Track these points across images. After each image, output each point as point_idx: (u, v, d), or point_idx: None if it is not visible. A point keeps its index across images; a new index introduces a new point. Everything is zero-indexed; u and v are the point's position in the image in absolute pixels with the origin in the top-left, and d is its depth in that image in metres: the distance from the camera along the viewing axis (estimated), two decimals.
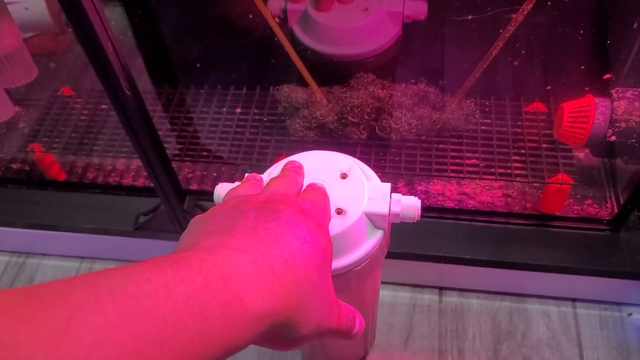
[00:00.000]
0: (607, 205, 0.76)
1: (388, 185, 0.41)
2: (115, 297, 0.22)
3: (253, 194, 0.35)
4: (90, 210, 0.85)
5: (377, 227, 0.42)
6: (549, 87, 0.76)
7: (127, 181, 0.86)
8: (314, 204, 0.35)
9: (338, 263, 0.41)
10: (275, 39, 0.71)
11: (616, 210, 0.74)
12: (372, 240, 0.42)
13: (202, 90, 0.86)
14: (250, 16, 0.78)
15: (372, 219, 0.41)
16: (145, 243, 0.85)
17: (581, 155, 0.78)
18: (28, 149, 0.85)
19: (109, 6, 0.80)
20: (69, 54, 0.92)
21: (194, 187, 0.84)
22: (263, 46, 0.86)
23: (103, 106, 0.88)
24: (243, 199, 0.34)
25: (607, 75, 0.67)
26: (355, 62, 0.72)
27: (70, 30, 0.88)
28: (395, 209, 0.41)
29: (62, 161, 0.87)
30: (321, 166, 0.43)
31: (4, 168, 0.89)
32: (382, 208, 0.40)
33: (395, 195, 0.42)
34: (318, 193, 0.38)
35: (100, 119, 0.87)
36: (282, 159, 0.45)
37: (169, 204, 0.78)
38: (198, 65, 0.87)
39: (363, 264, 0.42)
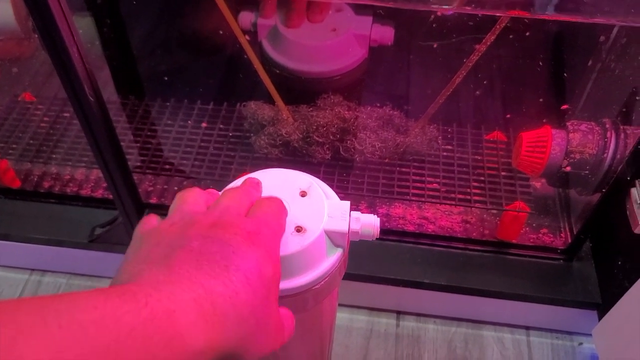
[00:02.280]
0: (562, 235, 0.78)
1: (347, 203, 0.41)
2: (61, 322, 0.22)
3: (202, 213, 0.34)
4: (43, 221, 0.82)
5: (337, 245, 0.41)
6: (508, 117, 0.78)
7: (85, 192, 0.84)
8: (266, 221, 0.35)
9: (296, 282, 0.40)
10: (245, 56, 0.72)
11: (570, 240, 0.76)
12: (331, 258, 0.41)
13: (168, 104, 0.86)
14: (221, 32, 0.78)
15: (332, 236, 0.41)
16: (100, 256, 0.82)
17: (538, 184, 0.80)
18: None
19: (78, 15, 0.79)
20: (33, 60, 0.90)
21: (154, 200, 0.83)
22: (232, 62, 0.87)
23: (65, 114, 0.86)
24: (190, 221, 0.33)
25: (565, 106, 0.70)
26: (321, 80, 0.73)
27: (36, 36, 0.87)
28: (355, 226, 0.42)
29: (18, 168, 0.85)
30: (280, 184, 0.43)
31: None
32: (342, 226, 0.40)
33: (355, 214, 0.42)
34: (272, 203, 0.37)
35: (61, 127, 0.86)
36: (245, 174, 0.44)
37: (127, 217, 0.76)
38: (165, 78, 0.87)
39: (322, 283, 0.42)
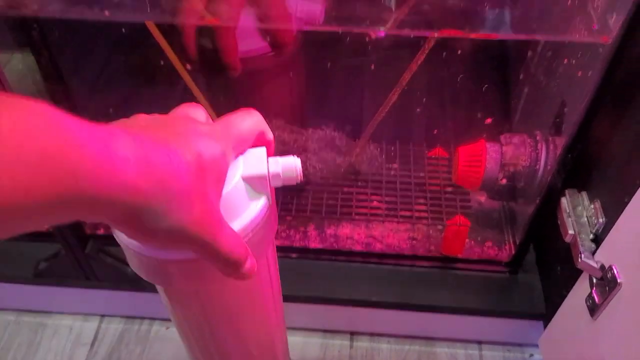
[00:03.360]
0: (506, 247, 0.79)
1: (263, 149, 0.39)
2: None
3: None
4: None
5: (259, 192, 0.38)
6: (447, 133, 0.80)
7: None
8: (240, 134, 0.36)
9: None
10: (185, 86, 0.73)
11: (513, 252, 0.77)
12: (256, 206, 0.38)
13: None
14: (162, 62, 0.79)
15: (252, 183, 0.38)
16: (47, 290, 0.81)
17: (482, 199, 0.82)
18: None
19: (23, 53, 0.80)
20: None
21: (100, 231, 0.82)
22: (175, 95, 0.87)
23: None
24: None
25: (488, 120, 0.71)
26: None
27: None
28: (275, 169, 0.39)
29: None
30: None
31: None
32: (260, 170, 0.37)
33: (273, 158, 0.40)
34: (251, 117, 0.38)
35: None
36: None
37: (70, 249, 0.76)
38: (110, 110, 0.87)
39: (250, 235, 0.38)
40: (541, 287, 0.75)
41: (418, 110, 0.80)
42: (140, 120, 0.33)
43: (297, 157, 0.39)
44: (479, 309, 0.75)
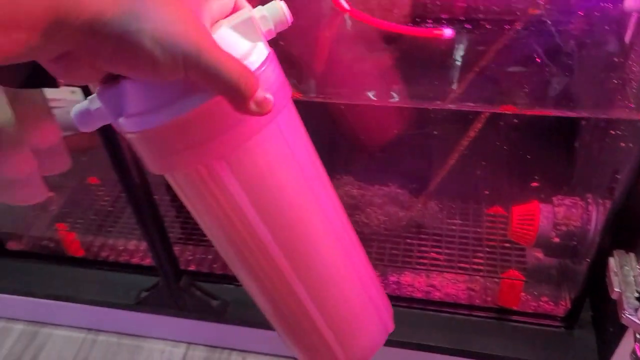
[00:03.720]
0: (562, 302, 0.82)
1: (245, 6, 0.36)
2: None
3: None
4: (99, 285, 0.95)
5: (253, 40, 0.35)
6: (506, 193, 0.86)
7: (134, 260, 0.97)
8: None
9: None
10: None
11: (569, 308, 0.80)
12: (252, 51, 0.34)
13: None
14: None
15: (241, 31, 0.34)
16: (145, 317, 0.94)
17: (540, 255, 0.86)
18: (54, 228, 0.98)
19: None
20: (99, 150, 1.07)
21: (192, 267, 0.94)
22: None
23: (122, 195, 1.02)
24: None
25: (535, 184, 0.77)
26: None
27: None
28: (262, 12, 0.35)
29: (82, 240, 0.99)
30: None
31: (32, 244, 1.01)
32: (245, 15, 0.34)
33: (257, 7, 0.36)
34: None
35: (119, 205, 1.00)
36: None
37: (167, 282, 0.88)
38: None
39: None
40: (596, 343, 0.78)
41: (478, 172, 0.87)
42: None
43: None
44: None
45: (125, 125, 0.34)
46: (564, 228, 0.75)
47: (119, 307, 0.94)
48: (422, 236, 0.84)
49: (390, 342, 0.84)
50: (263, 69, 0.34)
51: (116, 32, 0.26)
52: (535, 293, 0.83)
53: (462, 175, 0.84)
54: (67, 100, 1.01)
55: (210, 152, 0.34)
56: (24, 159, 0.91)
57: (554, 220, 0.75)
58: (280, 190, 0.37)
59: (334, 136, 0.86)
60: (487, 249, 0.82)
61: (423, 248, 0.83)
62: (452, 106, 0.70)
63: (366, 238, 0.85)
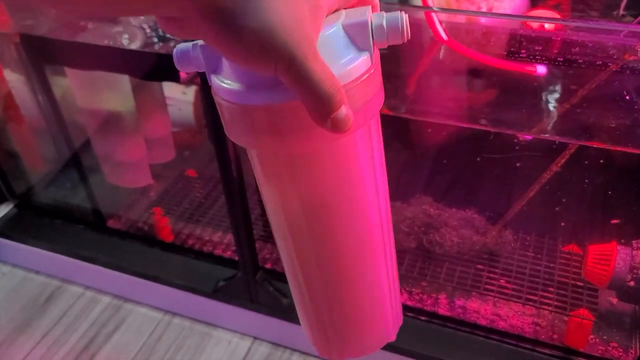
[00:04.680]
0: (632, 351, 0.80)
1: (367, 6, 0.35)
2: None
3: None
4: (182, 270, 1.03)
5: (361, 47, 0.34)
6: (584, 232, 0.86)
7: (217, 252, 1.05)
8: None
9: None
10: None
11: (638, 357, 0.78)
12: (357, 59, 0.33)
13: None
14: None
15: (353, 33, 0.34)
16: (219, 306, 1.00)
17: (613, 300, 0.85)
18: (151, 212, 1.08)
19: None
20: (200, 147, 1.17)
21: (268, 265, 1.00)
22: None
23: (215, 191, 1.10)
24: None
25: (614, 221, 0.77)
26: None
27: (205, 129, 1.14)
28: (378, 20, 0.34)
29: (173, 226, 1.09)
30: None
31: (129, 224, 1.12)
32: (362, 17, 0.34)
33: (376, 12, 0.35)
34: None
35: (210, 198, 1.09)
36: None
37: (245, 275, 0.94)
38: None
39: (348, 84, 0.33)
40: None
41: (557, 208, 0.88)
42: None
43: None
44: None
45: (217, 87, 0.34)
46: None
47: (197, 292, 1.01)
48: (493, 263, 0.86)
49: None
50: (359, 82, 0.33)
51: (221, 22, 0.27)
52: (605, 337, 0.82)
53: (542, 209, 0.85)
54: (179, 100, 1.12)
55: (295, 144, 0.34)
56: (137, 145, 1.02)
57: (631, 263, 0.75)
58: (354, 189, 0.38)
59: (418, 157, 0.91)
60: (558, 285, 0.82)
61: (493, 275, 0.84)
62: (536, 135, 0.72)
63: (437, 258, 0.87)
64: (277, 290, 0.94)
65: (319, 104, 0.30)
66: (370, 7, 0.35)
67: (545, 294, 0.82)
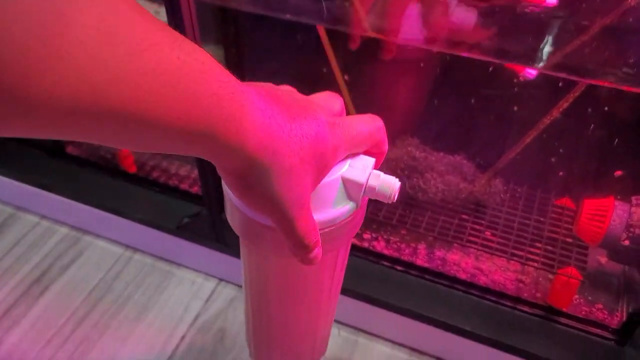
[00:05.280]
0: (617, 314, 0.76)
1: (372, 159, 0.40)
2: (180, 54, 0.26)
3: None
4: (144, 204, 0.96)
5: (351, 198, 0.40)
6: (579, 186, 0.80)
7: (183, 186, 0.97)
8: (359, 133, 0.38)
9: None
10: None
11: (624, 321, 0.74)
12: (344, 208, 0.40)
13: None
14: (324, 69, 0.89)
15: (348, 186, 0.40)
16: (183, 243, 0.94)
17: (603, 259, 0.79)
18: None
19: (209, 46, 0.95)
20: None
21: None
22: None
23: None
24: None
25: (623, 178, 0.70)
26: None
27: None
28: (373, 182, 0.40)
29: (136, 157, 1.00)
30: None
31: (89, 152, 1.03)
32: (360, 177, 0.39)
33: (376, 172, 0.41)
34: (376, 130, 0.39)
35: None
36: None
37: (211, 212, 0.87)
38: None
39: (328, 231, 0.40)
40: None
41: (553, 159, 0.81)
42: (283, 91, 0.36)
43: (399, 180, 0.41)
44: None
45: (229, 193, 0.41)
46: (637, 231, 0.68)
47: (160, 228, 0.94)
48: (479, 214, 0.79)
49: (426, 319, 0.80)
50: (341, 225, 0.41)
51: (245, 169, 0.32)
52: (590, 298, 0.77)
53: (537, 158, 0.79)
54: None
55: (273, 251, 0.43)
56: None
57: (627, 221, 0.69)
58: (311, 286, 0.48)
59: (406, 94, 0.82)
60: (547, 241, 0.76)
61: (478, 227, 0.78)
62: (541, 70, 0.64)
63: (419, 205, 0.81)
64: None
65: (297, 249, 0.37)
66: (373, 161, 0.40)
67: (532, 249, 0.76)
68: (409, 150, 0.78)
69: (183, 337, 0.88)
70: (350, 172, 0.39)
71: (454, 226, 0.79)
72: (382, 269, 0.82)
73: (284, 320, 0.52)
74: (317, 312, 0.52)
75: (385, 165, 0.79)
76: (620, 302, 0.77)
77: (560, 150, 0.79)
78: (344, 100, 0.42)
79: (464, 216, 0.79)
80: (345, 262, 0.49)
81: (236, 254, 0.90)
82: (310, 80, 0.97)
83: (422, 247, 0.84)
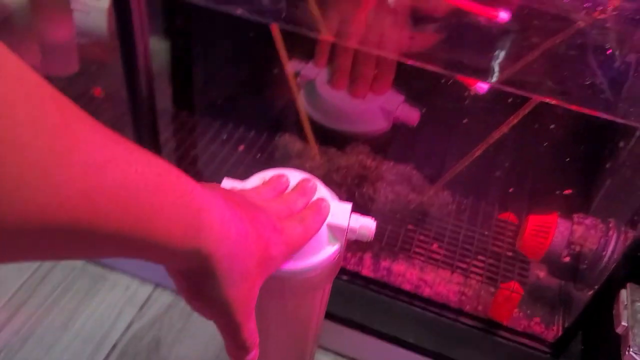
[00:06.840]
0: (554, 328, 0.78)
1: (349, 205, 0.47)
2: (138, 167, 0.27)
3: (273, 200, 0.43)
4: None
5: (335, 240, 0.47)
6: (523, 201, 0.81)
7: None
8: (307, 228, 0.42)
9: (298, 265, 0.45)
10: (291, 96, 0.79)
11: (560, 335, 0.75)
12: (329, 250, 0.46)
13: (215, 123, 0.94)
14: (276, 71, 0.87)
15: (333, 230, 0.46)
16: None
17: (541, 274, 0.81)
18: None
19: (157, 38, 0.90)
20: (113, 65, 1.02)
21: None
22: (281, 99, 0.94)
23: (123, 115, 0.96)
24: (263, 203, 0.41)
25: (566, 195, 0.72)
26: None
27: None
28: (354, 225, 0.47)
29: None
30: (294, 182, 0.48)
31: None
32: (343, 222, 0.46)
33: (355, 216, 0.48)
34: (320, 215, 0.44)
35: (120, 124, 0.95)
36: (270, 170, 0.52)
37: None
38: (219, 101, 0.95)
39: (318, 271, 0.46)
40: None
41: (498, 173, 0.82)
42: (240, 195, 0.40)
43: (375, 220, 0.48)
44: None
45: None
46: (577, 248, 0.70)
47: None
48: (426, 226, 0.79)
49: (369, 330, 0.79)
50: (329, 263, 0.47)
51: (199, 275, 0.33)
52: (529, 312, 0.79)
53: (484, 172, 0.79)
54: (90, 6, 0.96)
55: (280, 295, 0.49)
56: (28, 50, 0.85)
57: (569, 238, 0.70)
58: (300, 318, 0.54)
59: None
60: (491, 254, 0.77)
61: (424, 238, 0.78)
62: (496, 85, 0.65)
63: (368, 214, 0.80)
64: None
65: (237, 351, 0.38)
66: (350, 206, 0.47)
67: (476, 262, 0.76)
68: (359, 158, 0.77)
69: (114, 346, 0.83)
70: (333, 219, 0.45)
71: (401, 236, 0.78)
72: None
73: (277, 346, 0.57)
74: (305, 337, 0.58)
75: (336, 174, 0.78)
76: (556, 317, 0.79)
77: (506, 165, 0.80)
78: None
79: (410, 226, 0.79)
80: (329, 294, 0.56)
81: None
82: (260, 76, 0.95)
83: (367, 256, 0.83)
